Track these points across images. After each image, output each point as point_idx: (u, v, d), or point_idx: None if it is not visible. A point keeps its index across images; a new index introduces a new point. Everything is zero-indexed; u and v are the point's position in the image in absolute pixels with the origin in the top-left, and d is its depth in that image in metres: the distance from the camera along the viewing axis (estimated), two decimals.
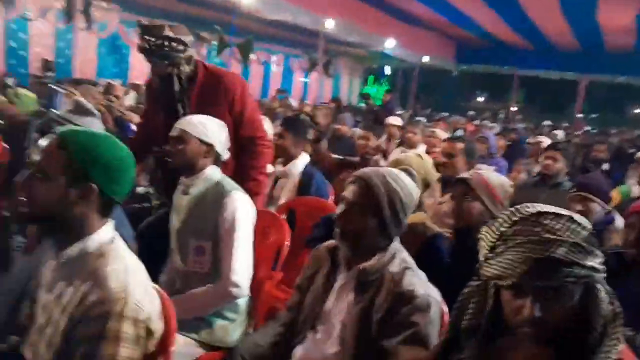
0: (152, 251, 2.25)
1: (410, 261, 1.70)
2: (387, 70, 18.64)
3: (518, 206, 1.10)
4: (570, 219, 1.05)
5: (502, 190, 2.17)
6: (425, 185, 2.48)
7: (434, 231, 2.25)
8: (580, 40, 17.00)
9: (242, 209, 2.14)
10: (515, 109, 20.95)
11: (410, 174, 1.83)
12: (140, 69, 14.20)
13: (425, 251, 2.11)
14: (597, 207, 2.73)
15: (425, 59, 18.67)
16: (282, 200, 3.16)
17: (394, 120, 6.16)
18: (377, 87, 15.95)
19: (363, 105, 11.90)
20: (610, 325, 1.05)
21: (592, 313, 1.04)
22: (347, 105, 14.26)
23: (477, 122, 13.18)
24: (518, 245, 1.04)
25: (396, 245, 1.70)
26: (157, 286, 1.52)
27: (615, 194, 3.83)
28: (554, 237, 1.02)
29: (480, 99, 26.36)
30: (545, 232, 1.03)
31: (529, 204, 1.10)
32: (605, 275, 1.07)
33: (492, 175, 2.20)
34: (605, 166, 5.50)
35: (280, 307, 2.04)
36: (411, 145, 5.16)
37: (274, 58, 18.69)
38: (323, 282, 1.75)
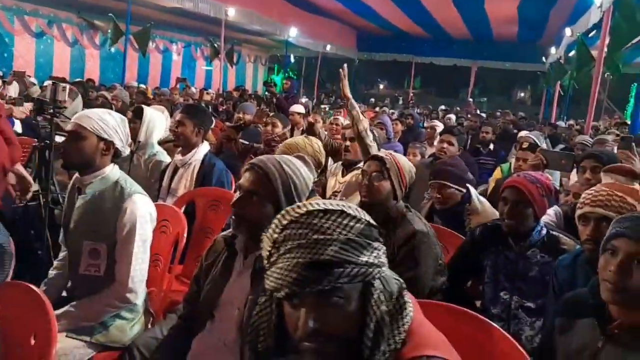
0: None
1: None
2: (292, 58, 18.69)
3: (289, 208, 1.02)
4: (342, 213, 0.99)
5: (409, 175, 2.33)
6: (318, 165, 2.56)
7: None
8: (471, 29, 18.16)
9: (142, 214, 2.07)
10: (412, 94, 21.89)
11: (304, 161, 1.87)
12: (27, 58, 13.14)
13: None
14: (455, 191, 2.89)
15: (328, 47, 18.96)
16: (181, 192, 3.09)
17: (298, 108, 6.21)
18: (282, 75, 15.96)
19: (267, 94, 11.88)
20: (387, 326, 0.99)
21: (366, 316, 0.97)
22: (252, 94, 14.13)
23: (377, 108, 13.62)
24: (288, 252, 0.95)
25: None
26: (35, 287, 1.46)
27: (498, 172, 4.17)
28: (323, 237, 0.95)
29: (381, 86, 27.26)
30: (314, 232, 0.95)
31: (300, 204, 1.02)
32: (385, 264, 1.04)
33: (402, 159, 2.36)
34: (491, 146, 5.94)
35: (180, 300, 2.01)
36: (314, 133, 5.24)
37: (174, 46, 18.04)
38: (221, 271, 1.75)
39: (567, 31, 11.94)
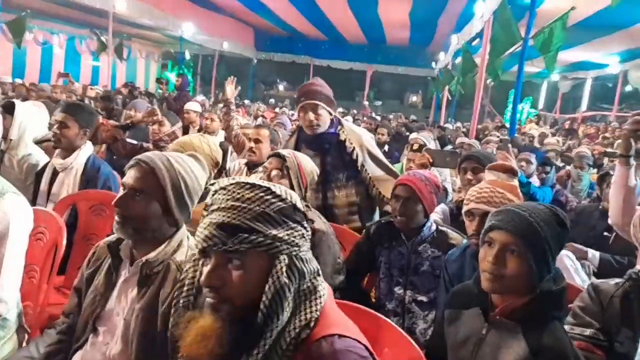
0: None
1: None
2: (187, 55, 18.07)
3: (226, 179, 1.12)
4: (267, 190, 1.08)
5: (310, 176, 2.34)
6: (215, 164, 2.49)
7: None
8: (366, 33, 18.77)
9: (16, 216, 1.85)
10: None
11: (196, 159, 1.78)
12: None
13: None
14: (326, 113, 2.86)
15: (226, 45, 18.60)
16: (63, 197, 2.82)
17: (193, 106, 5.99)
18: (176, 72, 15.38)
19: (160, 91, 11.39)
20: (291, 300, 1.05)
21: (268, 285, 1.03)
22: (143, 91, 13.46)
23: (277, 109, 13.63)
24: (210, 213, 1.07)
25: (184, 231, 1.64)
26: None
27: None
28: (240, 204, 1.04)
29: (281, 87, 27.33)
30: (234, 200, 1.05)
31: (239, 178, 1.12)
32: (303, 247, 1.10)
33: (304, 159, 2.36)
34: (386, 147, 6.17)
35: (59, 313, 1.82)
36: (210, 132, 5.09)
37: (56, 39, 16.66)
38: (104, 280, 1.61)
39: (454, 39, 12.78)
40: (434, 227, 2.33)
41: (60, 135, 2.85)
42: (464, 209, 2.01)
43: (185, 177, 1.59)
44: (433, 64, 18.86)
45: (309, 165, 2.35)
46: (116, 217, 1.54)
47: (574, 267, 2.68)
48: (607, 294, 1.57)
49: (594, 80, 17.48)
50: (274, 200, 1.07)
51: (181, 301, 1.15)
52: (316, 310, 1.07)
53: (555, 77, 17.73)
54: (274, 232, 1.04)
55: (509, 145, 3.19)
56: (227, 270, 1.03)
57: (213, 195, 1.09)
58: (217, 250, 1.03)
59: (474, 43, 11.00)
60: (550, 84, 19.57)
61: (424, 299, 2.26)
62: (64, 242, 2.18)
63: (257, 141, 3.28)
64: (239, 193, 1.06)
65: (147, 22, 13.50)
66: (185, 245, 1.62)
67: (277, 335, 1.03)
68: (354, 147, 2.86)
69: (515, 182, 1.99)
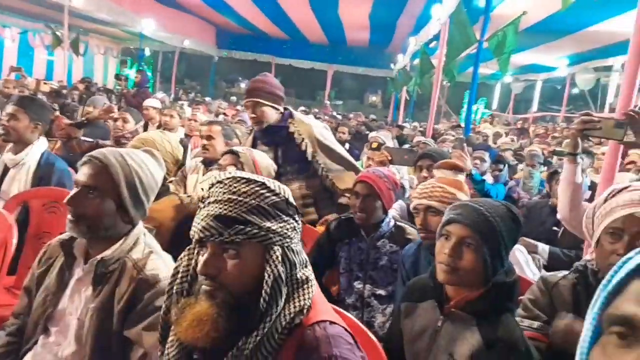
0: None
1: (156, 245, 1.64)
2: (147, 52, 17.66)
3: (221, 173, 1.17)
4: (262, 185, 1.12)
5: (266, 171, 2.35)
6: (176, 162, 2.46)
7: (185, 212, 2.24)
8: (327, 33, 18.82)
9: None
10: None
11: (152, 154, 1.75)
12: None
13: (182, 232, 2.10)
14: (270, 108, 2.95)
15: (187, 42, 18.29)
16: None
17: (153, 103, 5.87)
18: (136, 69, 15.01)
19: (119, 87, 11.10)
20: (286, 288, 1.10)
21: (265, 273, 1.08)
22: (101, 87, 13.08)
23: (239, 107, 13.51)
24: (207, 205, 1.10)
25: (140, 228, 1.62)
26: None
27: None
28: (236, 197, 1.08)
29: (242, 85, 27.10)
30: (230, 193, 1.09)
31: (234, 172, 1.17)
32: (294, 239, 1.14)
33: (260, 155, 2.39)
34: (347, 146, 6.23)
35: (9, 315, 1.76)
36: (169, 129, 5.01)
37: (8, 32, 16.00)
38: (56, 280, 1.57)
39: (412, 41, 12.99)
40: (392, 223, 2.38)
41: (10, 128, 2.76)
42: (411, 205, 2.09)
43: (140, 174, 1.57)
44: (392, 65, 19.10)
45: (264, 161, 2.37)
46: (69, 216, 1.51)
47: (525, 261, 2.78)
48: (557, 287, 1.63)
49: (544, 82, 18.07)
50: (268, 194, 1.11)
51: (175, 288, 1.17)
52: (308, 298, 1.12)
53: (508, 79, 18.27)
54: (268, 224, 1.09)
55: (464, 144, 3.29)
56: (223, 259, 1.08)
57: (210, 188, 1.13)
58: (213, 241, 1.07)
59: (431, 45, 11.21)
60: (503, 86, 20.14)
61: (382, 292, 2.30)
62: (14, 241, 2.11)
63: (209, 138, 3.24)
64: (235, 187, 1.10)
65: (105, 17, 13.10)
66: (142, 242, 1.59)
67: (277, 319, 1.08)
68: (302, 139, 2.90)
69: (460, 178, 2.08)
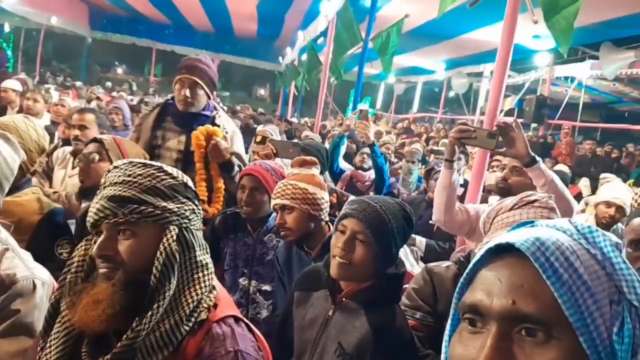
0: None
1: (12, 241, 1.46)
2: (7, 28, 15.84)
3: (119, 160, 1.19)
4: (159, 168, 1.13)
5: (136, 154, 2.21)
6: (42, 151, 2.21)
7: (50, 206, 2.03)
8: (213, 21, 18.31)
9: None
10: (154, 81, 21.05)
11: (6, 139, 1.54)
12: None
13: (45, 227, 1.95)
14: (204, 93, 2.82)
15: (54, 20, 16.69)
16: None
17: (12, 84, 5.27)
18: None
19: None
20: (187, 271, 1.11)
21: (158, 251, 1.07)
22: None
23: (115, 93, 12.65)
24: (102, 189, 1.11)
25: None
26: None
27: None
28: (130, 179, 1.09)
29: (119, 70, 25.44)
30: (126, 176, 1.09)
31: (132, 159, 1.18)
32: (193, 221, 1.15)
33: (129, 144, 2.29)
34: None
35: None
36: (33, 114, 4.51)
37: None
38: None
39: (300, 35, 13.09)
40: None
41: None
42: (272, 203, 2.09)
43: None
44: (280, 58, 19.15)
45: (133, 149, 2.24)
46: None
47: (404, 253, 2.91)
48: (439, 276, 1.73)
49: (424, 84, 19.28)
50: (165, 177, 1.12)
51: (68, 277, 1.13)
52: (209, 285, 1.14)
53: (392, 80, 19.23)
54: (164, 204, 1.09)
55: (368, 115, 3.42)
56: (119, 240, 1.07)
57: (106, 174, 1.12)
58: (108, 222, 1.06)
59: (319, 41, 11.40)
60: (386, 86, 21.15)
61: (267, 288, 2.27)
62: None
63: (82, 127, 2.96)
64: (131, 170, 1.10)
65: None
66: None
67: (175, 303, 1.08)
68: (227, 132, 2.75)
69: (313, 171, 2.12)
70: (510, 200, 1.67)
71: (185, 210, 1.13)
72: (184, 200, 1.14)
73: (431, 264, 1.82)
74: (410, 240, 3.23)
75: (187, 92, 2.67)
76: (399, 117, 19.73)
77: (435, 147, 7.19)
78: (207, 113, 2.78)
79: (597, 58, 9.48)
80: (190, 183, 1.17)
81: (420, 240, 3.29)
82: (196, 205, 1.17)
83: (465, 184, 3.57)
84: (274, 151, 3.01)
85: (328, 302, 1.56)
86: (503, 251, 0.62)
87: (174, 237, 1.09)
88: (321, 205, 2.01)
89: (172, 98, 2.82)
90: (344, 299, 1.53)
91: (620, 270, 0.59)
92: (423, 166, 5.38)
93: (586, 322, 0.55)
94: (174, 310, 1.07)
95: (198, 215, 1.17)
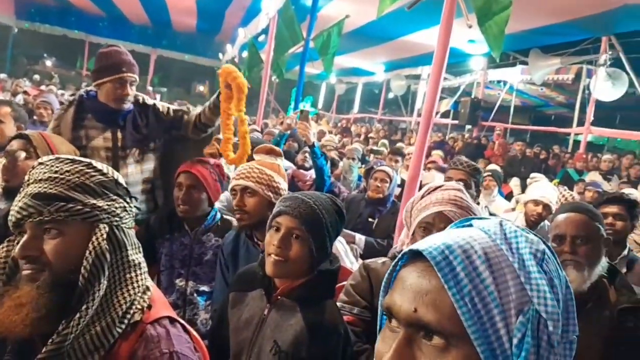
0: None
1: None
2: None
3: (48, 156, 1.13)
4: (89, 165, 1.10)
5: (67, 152, 2.08)
6: None
7: None
8: (150, 15, 17.74)
9: None
10: (86, 75, 20.09)
11: None
12: None
13: None
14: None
15: None
16: None
17: None
18: None
19: None
20: (118, 271, 1.07)
21: (87, 250, 1.03)
22: None
23: (44, 87, 11.99)
24: (27, 186, 1.06)
25: None
26: None
27: None
28: (57, 175, 1.04)
29: (48, 63, 24.10)
30: (52, 172, 1.05)
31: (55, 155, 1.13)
32: (124, 219, 1.11)
33: (58, 140, 2.17)
34: None
35: None
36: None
37: None
38: None
39: (241, 32, 12.94)
40: (218, 216, 2.30)
41: None
42: (230, 185, 2.07)
43: None
44: (220, 55, 18.85)
45: (63, 146, 2.10)
46: None
47: (344, 251, 2.93)
48: (376, 272, 1.75)
49: (364, 85, 19.59)
50: (94, 173, 1.08)
51: None
52: (143, 285, 1.11)
53: (333, 80, 19.39)
54: (93, 201, 1.05)
55: (309, 117, 3.42)
56: (44, 240, 1.02)
57: (31, 171, 1.07)
58: (32, 221, 1.01)
59: (260, 39, 11.31)
60: (328, 86, 21.31)
61: (206, 289, 2.21)
62: None
63: None
64: (57, 166, 1.05)
65: None
66: None
67: (105, 304, 1.04)
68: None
69: (278, 162, 2.12)
70: (420, 192, 1.77)
71: (116, 208, 1.09)
72: (115, 197, 1.10)
73: (368, 260, 1.85)
74: (349, 238, 3.27)
75: (130, 91, 2.53)
76: (340, 117, 19.92)
77: (375, 147, 7.31)
78: (130, 107, 2.64)
79: (526, 63, 9.97)
80: (121, 180, 1.14)
81: (360, 238, 3.33)
82: (127, 203, 1.13)
83: (402, 184, 3.65)
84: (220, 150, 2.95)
85: (263, 301, 1.55)
86: (420, 254, 0.63)
87: (104, 236, 1.05)
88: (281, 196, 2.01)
89: (87, 92, 2.62)
90: (279, 297, 1.53)
91: (535, 280, 0.60)
92: (363, 165, 5.47)
93: (486, 333, 0.57)
94: (104, 312, 1.03)
95: (129, 213, 1.14)
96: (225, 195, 2.89)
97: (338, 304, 1.70)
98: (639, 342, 1.67)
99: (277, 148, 2.21)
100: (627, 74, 8.35)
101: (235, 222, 2.30)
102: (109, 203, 1.08)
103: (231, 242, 2.11)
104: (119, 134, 2.55)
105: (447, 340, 0.58)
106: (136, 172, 2.58)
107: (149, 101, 2.69)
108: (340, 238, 3.06)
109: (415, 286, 0.61)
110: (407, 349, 0.60)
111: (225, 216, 2.33)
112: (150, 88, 18.92)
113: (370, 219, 3.54)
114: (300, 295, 1.51)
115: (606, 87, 8.34)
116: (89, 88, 2.66)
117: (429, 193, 1.71)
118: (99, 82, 2.51)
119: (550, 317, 0.58)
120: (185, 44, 20.60)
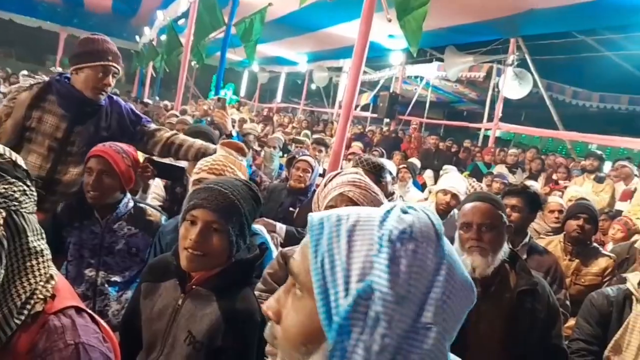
0: None
1: None
2: None
3: None
4: None
5: None
6: None
7: None
8: None
9: None
10: None
11: None
12: None
13: None
14: None
15: None
16: None
17: None
18: None
19: None
20: (17, 259, 1.01)
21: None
22: None
23: None
24: None
25: None
26: None
27: None
28: None
29: None
30: None
31: None
32: (24, 203, 1.04)
33: None
34: None
35: None
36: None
37: None
38: None
39: (160, 15, 12.42)
40: (131, 204, 2.20)
41: None
42: (194, 177, 1.98)
43: None
44: (137, 37, 18.01)
45: None
46: None
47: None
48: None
49: (287, 75, 19.55)
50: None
51: None
52: (45, 273, 1.04)
53: (256, 68, 19.16)
54: None
55: (225, 105, 3.35)
56: None
57: None
58: None
59: (180, 22, 10.93)
60: (250, 74, 21.02)
61: (118, 279, 2.13)
62: None
63: None
64: None
65: None
66: None
67: (2, 295, 0.97)
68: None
69: (244, 162, 2.11)
70: (323, 180, 1.86)
71: (14, 192, 1.02)
72: (13, 180, 1.03)
73: (285, 249, 1.86)
74: (270, 227, 3.26)
75: (111, 82, 2.39)
76: (262, 106, 19.77)
77: (297, 137, 7.34)
78: (103, 102, 2.46)
79: (442, 60, 10.43)
80: (20, 161, 1.06)
81: (281, 227, 3.34)
82: (28, 186, 1.05)
83: (324, 174, 3.71)
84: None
85: (177, 291, 1.52)
86: None
87: (1, 222, 0.98)
88: None
89: (61, 75, 2.44)
90: (194, 287, 1.50)
91: (380, 254, 0.64)
92: (285, 155, 5.47)
93: (326, 292, 0.64)
94: (1, 304, 0.96)
95: (30, 197, 1.06)
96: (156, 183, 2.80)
97: (255, 292, 1.70)
98: (536, 320, 1.83)
99: (245, 148, 2.19)
100: (532, 74, 8.97)
101: (150, 211, 2.23)
102: (5, 187, 1.01)
103: (170, 231, 2.02)
104: (76, 129, 2.37)
105: (301, 290, 0.68)
106: (76, 173, 2.38)
107: (121, 102, 2.55)
108: (261, 227, 3.06)
109: (302, 243, 0.72)
110: (285, 294, 0.71)
111: (139, 204, 2.24)
112: (59, 69, 17.71)
113: (291, 209, 3.56)
114: (217, 284, 1.49)
115: (513, 85, 8.93)
116: (62, 71, 2.45)
117: (330, 180, 1.80)
118: (77, 67, 2.34)
119: (381, 297, 0.61)
120: (99, 24, 19.38)
